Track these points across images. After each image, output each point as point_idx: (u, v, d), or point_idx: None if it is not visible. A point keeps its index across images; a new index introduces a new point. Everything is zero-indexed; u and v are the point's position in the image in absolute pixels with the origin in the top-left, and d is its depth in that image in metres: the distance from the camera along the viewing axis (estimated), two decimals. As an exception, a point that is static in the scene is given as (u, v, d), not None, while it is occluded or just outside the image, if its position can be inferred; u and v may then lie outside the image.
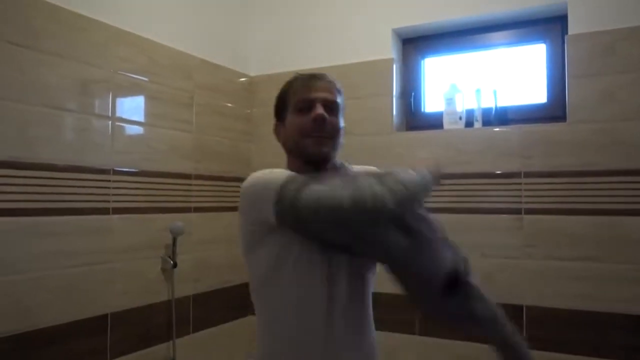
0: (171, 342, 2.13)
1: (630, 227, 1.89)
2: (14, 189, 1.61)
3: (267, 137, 2.68)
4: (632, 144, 1.91)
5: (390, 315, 2.24)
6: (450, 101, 2.27)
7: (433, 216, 1.13)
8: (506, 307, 2.04)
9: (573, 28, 2.04)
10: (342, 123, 1.20)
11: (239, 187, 1.13)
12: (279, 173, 1.09)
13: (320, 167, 1.16)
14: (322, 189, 0.99)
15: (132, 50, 2.03)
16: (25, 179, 1.64)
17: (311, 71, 1.26)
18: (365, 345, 1.18)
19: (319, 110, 1.14)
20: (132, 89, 2.03)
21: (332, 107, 1.17)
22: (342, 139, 1.20)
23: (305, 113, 1.15)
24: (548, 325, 1.99)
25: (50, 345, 1.69)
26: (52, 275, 1.71)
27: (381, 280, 2.23)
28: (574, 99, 2.02)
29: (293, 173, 1.08)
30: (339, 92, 1.22)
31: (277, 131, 1.26)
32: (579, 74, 2.01)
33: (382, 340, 2.27)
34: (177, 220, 2.14)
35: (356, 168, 1.27)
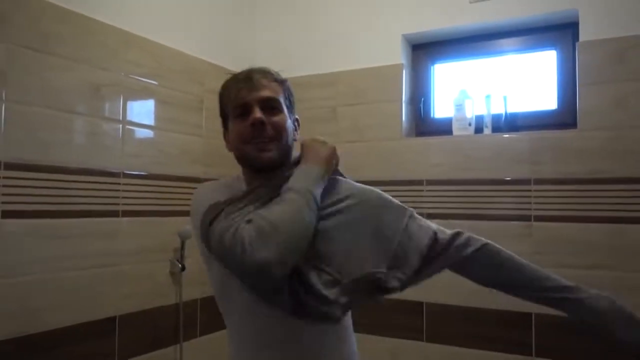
0: (178, 345, 2.14)
1: (641, 235, 1.87)
2: (24, 190, 1.62)
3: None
4: (643, 151, 1.89)
5: (396, 321, 2.24)
6: (459, 107, 2.26)
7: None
8: (514, 314, 2.05)
9: (584, 35, 2.03)
10: (289, 119, 1.12)
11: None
12: (205, 196, 1.08)
13: (271, 172, 1.08)
14: (224, 227, 0.96)
15: (143, 54, 2.04)
16: (36, 181, 1.65)
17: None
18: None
19: (256, 114, 1.06)
20: (142, 93, 2.05)
21: (272, 105, 1.09)
22: (294, 136, 1.14)
23: (244, 119, 1.08)
24: (557, 333, 1.97)
25: (58, 347, 1.70)
26: (61, 277, 1.72)
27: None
28: (585, 106, 2.01)
29: (216, 198, 1.05)
30: (281, 83, 1.13)
31: (226, 140, 1.18)
32: (589, 81, 2.00)
33: (387, 346, 2.27)
34: (187, 225, 2.15)
35: None
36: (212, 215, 1.01)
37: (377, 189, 1.14)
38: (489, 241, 1.13)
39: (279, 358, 1.05)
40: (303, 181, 1.02)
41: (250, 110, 1.07)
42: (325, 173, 1.07)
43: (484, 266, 1.14)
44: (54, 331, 1.69)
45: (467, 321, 2.12)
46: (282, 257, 0.92)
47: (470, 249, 1.10)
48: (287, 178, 1.05)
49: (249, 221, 0.96)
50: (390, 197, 1.14)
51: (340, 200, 1.08)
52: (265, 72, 1.13)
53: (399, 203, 1.13)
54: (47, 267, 1.68)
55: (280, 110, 1.10)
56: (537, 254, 2.02)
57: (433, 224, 1.12)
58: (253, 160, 1.09)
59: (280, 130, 1.09)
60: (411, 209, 1.13)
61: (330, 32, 2.55)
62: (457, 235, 1.10)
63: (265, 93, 1.09)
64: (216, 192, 1.09)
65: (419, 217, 1.13)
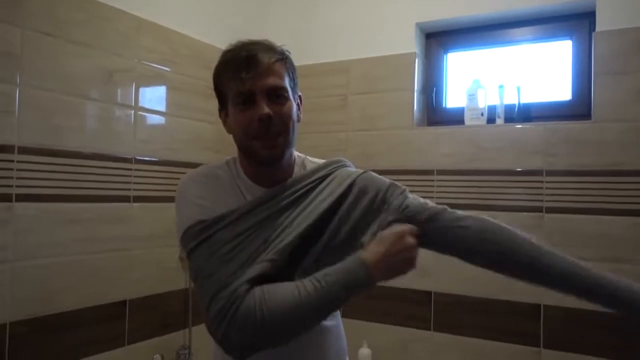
0: (187, 329, 2.16)
1: (655, 228, 1.85)
2: (38, 175, 1.64)
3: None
4: (659, 144, 1.86)
5: (405, 310, 2.24)
6: (472, 97, 2.24)
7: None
8: (523, 306, 2.04)
9: (601, 25, 1.99)
10: (294, 103, 1.04)
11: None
12: (190, 192, 1.03)
13: (274, 165, 1.04)
14: (211, 287, 0.90)
15: (156, 40, 2.05)
16: (49, 165, 1.67)
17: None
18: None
19: (264, 109, 0.97)
20: (155, 79, 2.05)
21: (278, 94, 1.00)
22: (298, 124, 1.06)
23: (248, 108, 0.99)
24: (567, 325, 1.97)
25: (70, 329, 1.72)
26: (73, 260, 1.74)
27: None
28: (600, 97, 1.98)
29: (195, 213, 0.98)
30: (284, 60, 1.03)
31: (223, 120, 1.10)
32: (605, 71, 1.97)
33: (395, 335, 2.27)
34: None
35: (313, 163, 1.14)
36: (195, 239, 0.96)
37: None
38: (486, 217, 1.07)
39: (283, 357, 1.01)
40: (338, 275, 0.91)
41: (255, 100, 0.98)
42: (371, 284, 0.93)
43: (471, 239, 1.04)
44: (67, 313, 1.71)
45: (475, 311, 2.12)
46: (252, 347, 0.89)
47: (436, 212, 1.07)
48: (288, 187, 1.04)
49: (247, 289, 0.88)
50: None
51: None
52: (268, 49, 1.02)
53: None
54: (60, 250, 1.70)
55: (287, 98, 1.02)
56: (548, 245, 2.01)
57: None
58: (258, 157, 1.02)
59: (287, 121, 1.01)
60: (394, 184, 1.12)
61: (343, 20, 2.53)
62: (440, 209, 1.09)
63: (271, 81, 0.99)
64: (203, 188, 1.03)
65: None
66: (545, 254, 1.03)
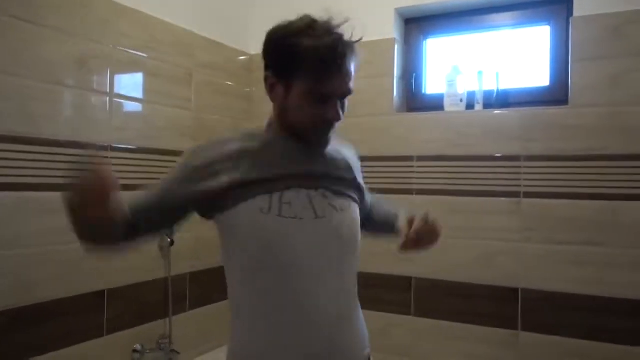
0: (167, 319, 2.15)
1: (631, 212, 1.89)
2: (13, 163, 1.60)
3: (266, 116, 2.67)
4: (635, 128, 1.89)
5: (385, 295, 2.26)
6: (451, 83, 2.25)
7: None
8: (502, 290, 2.08)
9: (578, 10, 2.01)
10: (352, 91, 1.12)
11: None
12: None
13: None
14: None
15: (132, 26, 2.00)
16: (25, 154, 1.63)
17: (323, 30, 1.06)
18: None
19: (339, 116, 1.07)
20: (131, 66, 2.01)
21: (345, 97, 1.09)
22: None
23: (320, 104, 1.04)
24: (544, 308, 2.00)
25: (48, 319, 1.70)
26: (50, 250, 1.71)
27: (374, 261, 2.24)
28: (577, 83, 2.00)
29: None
30: (353, 69, 1.09)
31: (273, 89, 1.09)
32: (582, 57, 1.99)
33: (376, 320, 2.29)
34: (175, 198, 2.13)
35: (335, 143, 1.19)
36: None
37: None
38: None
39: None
40: None
41: (330, 101, 1.05)
42: None
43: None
44: (44, 304, 1.69)
45: (454, 296, 2.15)
46: None
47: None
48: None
49: None
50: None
51: None
52: (354, 49, 1.07)
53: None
54: (37, 240, 1.67)
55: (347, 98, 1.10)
56: (526, 230, 2.04)
57: None
58: (311, 141, 1.11)
59: (343, 113, 1.10)
60: None
61: (322, 6, 2.50)
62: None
63: (350, 88, 1.07)
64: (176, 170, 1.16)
65: None
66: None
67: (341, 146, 1.24)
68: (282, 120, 1.11)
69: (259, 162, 1.07)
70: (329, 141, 1.12)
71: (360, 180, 1.24)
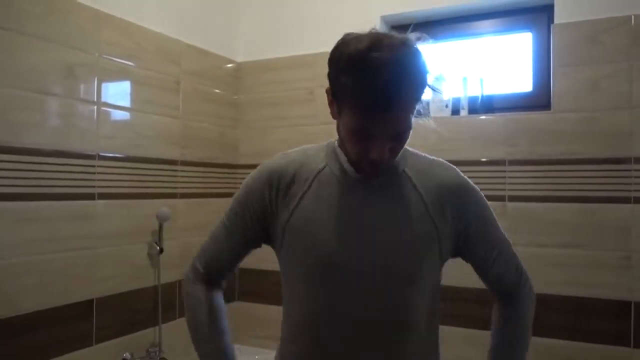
0: (157, 327, 2.14)
1: (612, 214, 1.93)
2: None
3: (254, 124, 2.69)
4: (615, 133, 1.93)
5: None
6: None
7: None
8: (488, 292, 2.09)
9: (559, 17, 2.05)
10: (410, 127, 0.93)
11: (225, 173, 1.12)
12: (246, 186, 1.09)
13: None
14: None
15: (119, 34, 2.01)
16: (9, 163, 1.62)
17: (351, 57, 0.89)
18: None
19: (382, 154, 0.91)
20: (118, 74, 2.01)
21: (400, 134, 0.93)
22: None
23: (365, 140, 0.91)
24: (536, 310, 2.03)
25: (35, 330, 1.69)
26: (37, 260, 1.70)
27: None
28: (559, 88, 2.04)
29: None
30: (420, 89, 0.92)
31: (332, 112, 0.99)
32: (563, 63, 2.03)
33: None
34: (163, 206, 2.14)
35: (416, 163, 1.08)
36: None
37: None
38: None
39: None
40: None
41: (378, 139, 0.90)
42: None
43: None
44: (31, 315, 1.68)
45: (442, 300, 2.16)
46: None
47: None
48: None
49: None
50: None
51: None
52: (409, 79, 0.88)
53: None
54: (22, 250, 1.66)
55: (406, 137, 0.94)
56: (511, 233, 2.05)
57: None
58: (365, 172, 0.99)
59: (399, 152, 0.97)
60: None
61: (309, 14, 2.53)
62: None
63: (400, 126, 0.91)
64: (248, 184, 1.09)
65: None
66: None
67: (427, 176, 1.06)
68: (344, 147, 1.01)
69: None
70: (379, 174, 1.00)
71: (445, 236, 1.04)
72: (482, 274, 1.15)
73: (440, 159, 1.10)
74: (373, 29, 0.96)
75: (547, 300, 2.00)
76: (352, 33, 0.95)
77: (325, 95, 0.98)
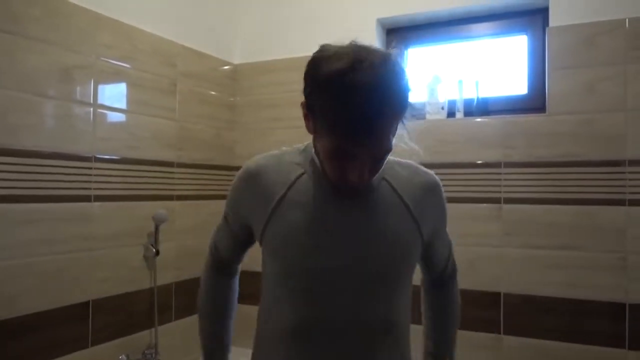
0: (153, 329, 2.14)
1: (607, 216, 1.94)
2: (-6, 175, 1.59)
3: (251, 126, 2.69)
4: (610, 135, 1.95)
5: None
6: (432, 91, 2.29)
7: None
8: (484, 294, 2.11)
9: (554, 20, 2.06)
10: (391, 149, 0.90)
11: (222, 175, 1.13)
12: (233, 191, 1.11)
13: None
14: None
15: (115, 36, 2.01)
16: (6, 165, 1.62)
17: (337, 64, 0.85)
18: None
19: (362, 176, 0.90)
20: (114, 76, 2.01)
21: (379, 158, 0.91)
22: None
23: (342, 160, 0.89)
24: (526, 312, 2.04)
25: (31, 332, 1.68)
26: (33, 262, 1.70)
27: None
28: (554, 91, 2.05)
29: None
30: (403, 112, 0.89)
31: (305, 118, 0.95)
32: (559, 66, 2.05)
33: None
34: (160, 208, 2.14)
35: (394, 168, 1.07)
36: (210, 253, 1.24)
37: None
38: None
39: None
40: None
41: (354, 161, 0.88)
42: None
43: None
44: (27, 317, 1.67)
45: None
46: None
47: None
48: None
49: None
50: None
51: None
52: (391, 101, 0.84)
53: None
54: (19, 252, 1.65)
55: (386, 158, 0.93)
56: (507, 235, 2.08)
57: None
58: (343, 189, 0.97)
59: (377, 172, 0.94)
60: None
61: (305, 16, 2.54)
62: None
63: (382, 150, 0.89)
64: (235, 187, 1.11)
65: None
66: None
67: (406, 179, 1.06)
68: (316, 154, 1.01)
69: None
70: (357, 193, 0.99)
71: (426, 234, 1.06)
72: (430, 267, 1.21)
73: (413, 162, 1.12)
74: (353, 41, 0.92)
75: (542, 302, 2.01)
76: (329, 46, 0.92)
77: (301, 107, 0.94)
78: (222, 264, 1.22)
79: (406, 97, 0.88)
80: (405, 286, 1.06)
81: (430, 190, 1.09)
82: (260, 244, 1.07)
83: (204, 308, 1.24)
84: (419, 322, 1.26)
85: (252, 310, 1.18)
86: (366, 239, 0.99)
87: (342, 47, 0.89)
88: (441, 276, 1.23)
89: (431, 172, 1.13)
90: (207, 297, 1.24)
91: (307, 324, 1.00)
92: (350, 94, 0.81)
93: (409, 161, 1.11)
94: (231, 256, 1.21)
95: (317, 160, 1.01)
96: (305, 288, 1.00)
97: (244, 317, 1.56)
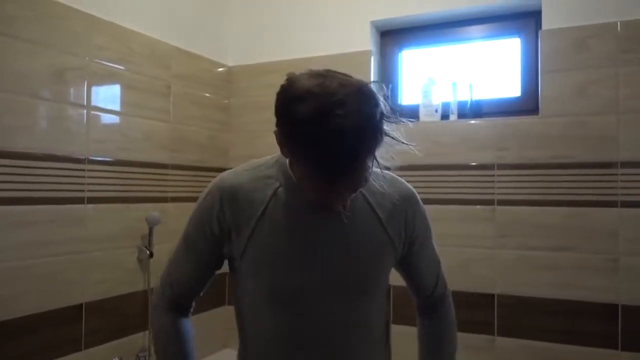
0: (147, 331, 2.13)
1: (599, 218, 1.95)
2: (-14, 177, 1.59)
3: (245, 128, 2.70)
4: (602, 137, 1.96)
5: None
6: (426, 94, 2.30)
7: None
8: (478, 296, 2.12)
9: (546, 23, 2.08)
10: (370, 176, 0.90)
11: (216, 177, 1.11)
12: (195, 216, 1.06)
13: None
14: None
15: (109, 38, 2.00)
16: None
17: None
18: None
19: (345, 206, 0.92)
20: (108, 78, 2.01)
21: (358, 188, 0.91)
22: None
23: (323, 192, 0.89)
24: (520, 313, 2.05)
25: (24, 335, 1.68)
26: (26, 265, 1.69)
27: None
28: (547, 93, 2.06)
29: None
30: (375, 150, 0.86)
31: (280, 147, 0.90)
32: (551, 68, 2.06)
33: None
34: (153, 210, 2.13)
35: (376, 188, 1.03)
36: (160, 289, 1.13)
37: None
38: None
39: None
40: None
41: (335, 193, 0.88)
42: None
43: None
44: (19, 319, 1.66)
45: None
46: None
47: None
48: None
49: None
50: None
51: None
52: (370, 135, 0.82)
53: None
54: (12, 254, 1.65)
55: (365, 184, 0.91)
56: (500, 237, 2.09)
57: None
58: (321, 209, 0.97)
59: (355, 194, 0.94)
60: None
61: (299, 18, 2.55)
62: None
63: (361, 181, 0.87)
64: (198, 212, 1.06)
65: None
66: None
67: (380, 191, 1.03)
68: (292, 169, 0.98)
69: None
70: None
71: (400, 245, 1.08)
72: (420, 288, 1.20)
73: (390, 173, 1.09)
74: (328, 70, 0.87)
75: (535, 303, 2.02)
76: (297, 82, 0.85)
77: (275, 135, 0.89)
78: (181, 301, 1.10)
79: (381, 129, 0.84)
80: (381, 292, 1.09)
81: (405, 200, 1.08)
82: (236, 265, 1.04)
83: (169, 356, 1.09)
84: (400, 323, 1.27)
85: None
86: (343, 252, 1.01)
87: (309, 81, 0.83)
88: (432, 297, 1.21)
89: (407, 183, 1.12)
90: (171, 342, 1.09)
91: (291, 339, 1.01)
92: (327, 140, 0.78)
93: (386, 172, 1.04)
94: (192, 289, 1.09)
95: (291, 173, 0.99)
96: (289, 303, 1.00)
97: (233, 319, 1.55)
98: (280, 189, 1.01)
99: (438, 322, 1.24)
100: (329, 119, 0.78)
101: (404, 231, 1.08)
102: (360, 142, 0.80)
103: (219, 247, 1.04)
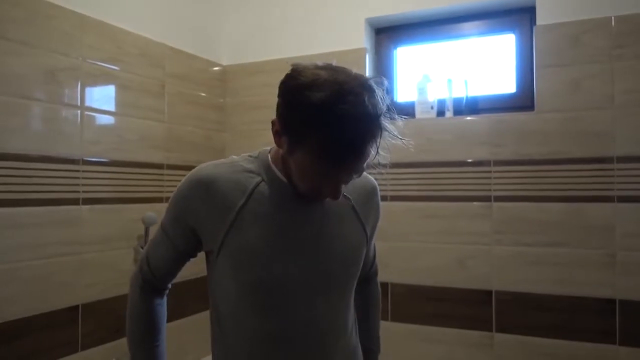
0: (144, 332, 2.12)
1: (596, 213, 1.95)
2: (-21, 179, 1.57)
3: (240, 127, 2.69)
4: (597, 132, 1.96)
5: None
6: (422, 91, 2.29)
7: None
8: (476, 292, 2.11)
9: (541, 19, 2.08)
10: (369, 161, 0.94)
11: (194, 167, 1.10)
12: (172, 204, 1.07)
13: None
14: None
15: (102, 38, 1.99)
16: (-9, 169, 1.60)
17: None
18: None
19: (337, 193, 0.94)
20: (101, 78, 2.00)
21: (356, 175, 0.95)
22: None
23: (321, 178, 0.92)
24: (517, 309, 2.05)
25: (20, 337, 1.66)
26: (21, 266, 1.68)
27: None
28: (542, 89, 2.06)
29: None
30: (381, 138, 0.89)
31: (277, 137, 0.95)
32: (546, 64, 2.06)
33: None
34: (149, 211, 2.12)
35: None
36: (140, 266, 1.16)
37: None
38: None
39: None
40: None
41: (333, 181, 0.92)
42: None
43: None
44: (15, 322, 1.65)
45: (430, 300, 2.17)
46: None
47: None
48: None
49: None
50: None
51: None
52: (374, 125, 0.87)
53: None
54: (7, 257, 1.64)
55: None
56: (497, 233, 2.09)
57: None
58: (313, 200, 1.00)
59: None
60: None
61: (293, 16, 2.54)
62: None
63: (361, 170, 0.93)
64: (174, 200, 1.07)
65: None
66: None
67: (351, 183, 1.02)
68: (284, 165, 1.00)
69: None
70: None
71: (369, 235, 1.14)
72: (365, 264, 1.22)
73: None
74: (331, 63, 0.92)
75: (534, 299, 2.02)
76: (304, 69, 0.90)
77: (272, 125, 0.94)
78: (156, 281, 1.14)
79: (383, 121, 0.89)
80: (354, 286, 1.12)
81: (372, 192, 1.15)
82: (213, 256, 1.03)
83: (137, 333, 1.16)
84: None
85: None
86: (325, 245, 1.03)
87: (317, 71, 0.88)
88: (368, 273, 1.30)
89: (369, 175, 1.15)
90: (141, 320, 1.15)
91: (273, 333, 1.01)
92: (340, 124, 0.83)
93: None
94: (167, 273, 1.13)
95: (274, 168, 1.02)
96: (272, 296, 1.00)
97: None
98: (263, 184, 1.01)
99: (375, 292, 1.34)
100: (344, 104, 0.83)
101: (372, 222, 1.15)
102: (369, 129, 0.86)
103: (193, 234, 1.04)
